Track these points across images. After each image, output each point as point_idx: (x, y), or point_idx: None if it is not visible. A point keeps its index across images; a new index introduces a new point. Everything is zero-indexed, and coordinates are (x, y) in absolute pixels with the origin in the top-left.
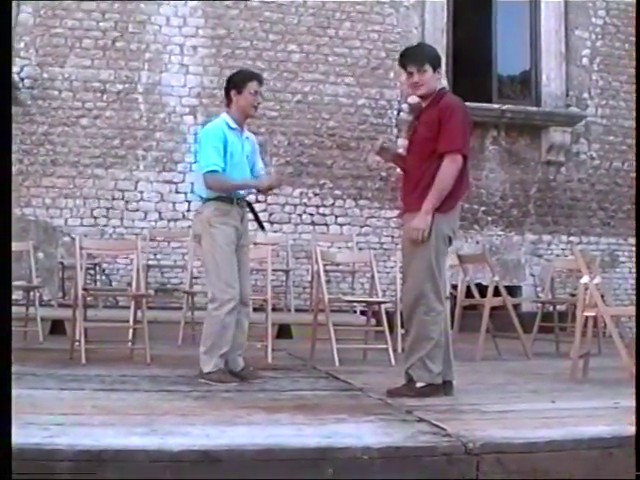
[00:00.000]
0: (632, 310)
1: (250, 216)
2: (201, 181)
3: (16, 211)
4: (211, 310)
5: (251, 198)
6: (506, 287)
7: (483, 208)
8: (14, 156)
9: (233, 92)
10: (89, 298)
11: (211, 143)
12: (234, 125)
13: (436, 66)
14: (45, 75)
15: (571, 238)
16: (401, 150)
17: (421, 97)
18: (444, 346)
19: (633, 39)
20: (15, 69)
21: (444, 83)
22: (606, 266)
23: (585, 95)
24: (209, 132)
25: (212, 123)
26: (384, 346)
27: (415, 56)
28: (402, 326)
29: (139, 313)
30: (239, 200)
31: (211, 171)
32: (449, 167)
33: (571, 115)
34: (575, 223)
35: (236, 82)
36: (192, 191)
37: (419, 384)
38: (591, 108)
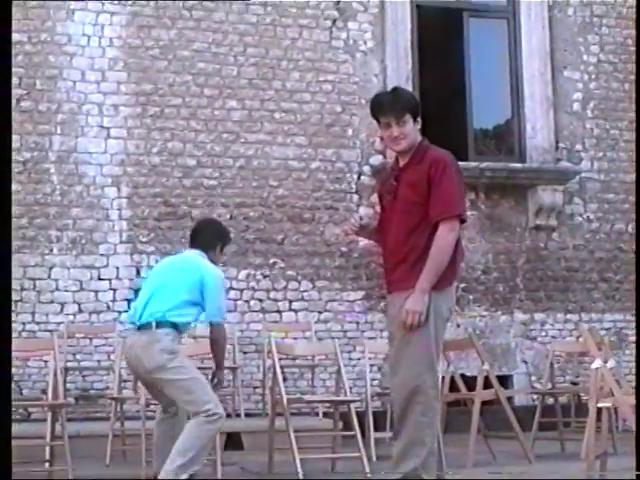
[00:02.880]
0: None
1: None
2: (177, 303)
3: None
4: (204, 421)
5: None
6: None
7: (463, 285)
8: None
9: (219, 247)
10: None
11: (222, 291)
12: None
13: (416, 115)
14: None
15: (568, 316)
16: (369, 221)
17: (399, 153)
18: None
19: (633, 77)
20: None
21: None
22: (613, 347)
23: (578, 147)
24: (220, 278)
25: (213, 267)
26: (356, 454)
27: (392, 105)
28: (389, 428)
29: (58, 426)
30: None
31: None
32: (447, 236)
33: (562, 171)
34: (573, 298)
35: (225, 240)
36: (155, 309)
37: None
38: (586, 162)
